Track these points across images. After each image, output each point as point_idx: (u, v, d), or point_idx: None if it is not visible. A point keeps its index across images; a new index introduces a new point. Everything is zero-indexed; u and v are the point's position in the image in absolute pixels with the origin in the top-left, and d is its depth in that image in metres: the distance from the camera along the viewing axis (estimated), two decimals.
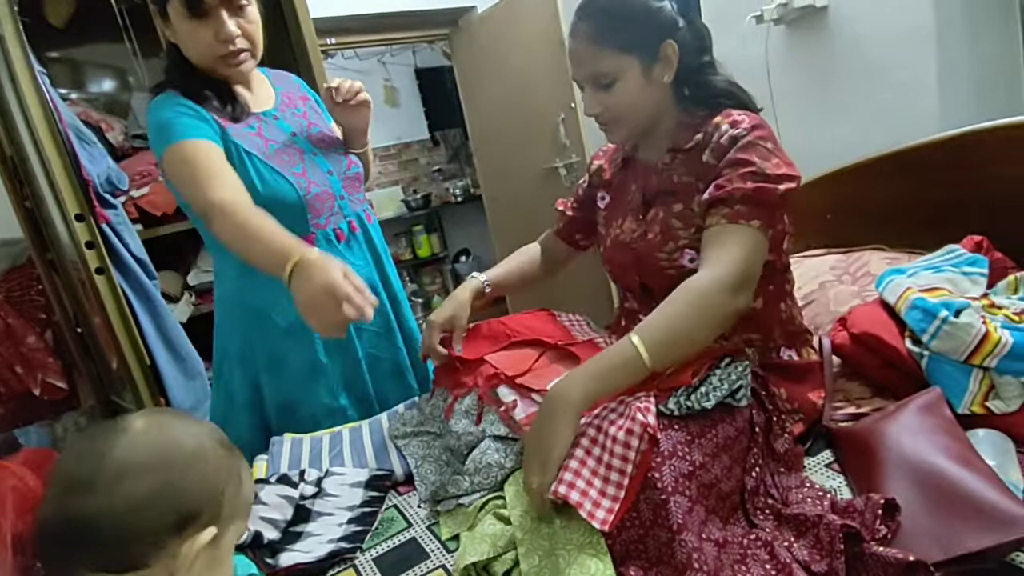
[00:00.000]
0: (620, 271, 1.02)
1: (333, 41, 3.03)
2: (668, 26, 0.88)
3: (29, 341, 1.98)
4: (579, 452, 0.72)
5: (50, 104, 1.48)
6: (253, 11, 1.06)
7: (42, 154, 1.48)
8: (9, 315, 1.96)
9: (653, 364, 0.74)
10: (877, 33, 1.75)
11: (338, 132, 1.25)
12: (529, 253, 1.22)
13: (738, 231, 0.81)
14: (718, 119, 0.87)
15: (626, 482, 0.68)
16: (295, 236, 0.87)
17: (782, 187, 0.82)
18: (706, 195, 0.84)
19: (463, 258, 4.67)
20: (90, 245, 1.51)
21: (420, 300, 4.50)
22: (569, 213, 1.17)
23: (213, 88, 1.08)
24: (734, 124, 0.85)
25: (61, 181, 1.47)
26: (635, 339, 0.74)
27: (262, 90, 1.18)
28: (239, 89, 1.13)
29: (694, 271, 0.84)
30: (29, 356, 1.96)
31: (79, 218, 1.49)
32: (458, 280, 4.63)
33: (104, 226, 1.62)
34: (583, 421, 0.74)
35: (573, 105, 2.80)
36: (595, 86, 0.90)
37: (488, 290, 1.13)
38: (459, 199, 4.52)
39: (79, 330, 2.02)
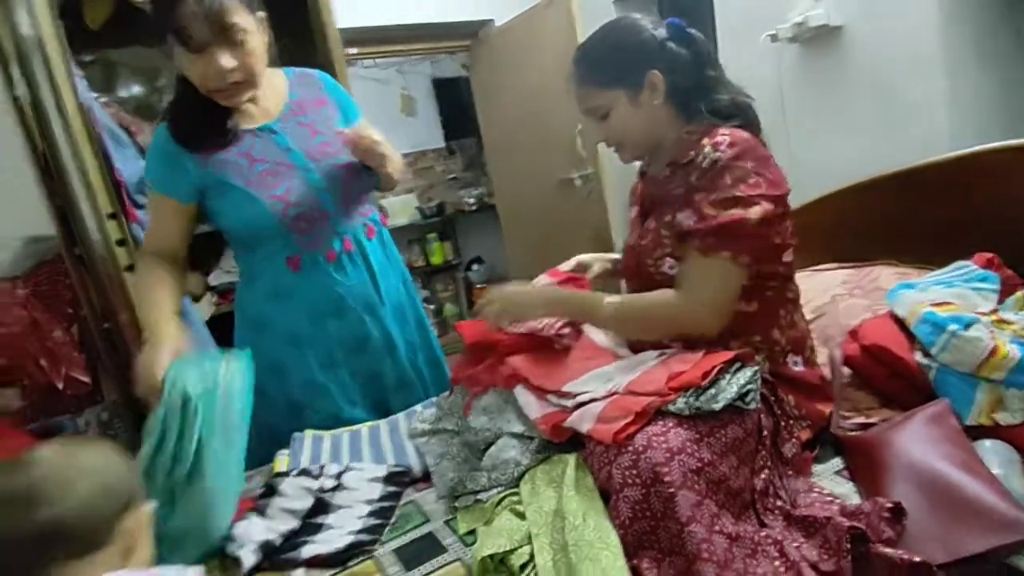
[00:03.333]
0: (626, 274, 1.08)
1: (355, 51, 3.10)
2: (651, 56, 0.95)
3: (55, 335, 2.03)
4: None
5: (86, 106, 1.53)
6: (253, 41, 1.03)
7: (77, 154, 1.53)
8: (36, 310, 2.02)
9: (603, 327, 0.99)
10: (889, 54, 1.78)
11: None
12: None
13: (707, 264, 0.87)
14: (704, 140, 0.91)
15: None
16: (168, 309, 1.06)
17: (754, 213, 0.85)
18: (687, 221, 0.89)
19: (475, 266, 4.71)
20: (121, 243, 1.56)
21: (432, 306, 4.54)
22: None
23: (207, 118, 1.09)
24: (715, 146, 0.89)
25: (95, 180, 1.53)
26: (611, 308, 0.93)
27: (271, 100, 1.16)
28: (243, 105, 1.12)
29: (673, 278, 0.93)
30: (55, 350, 2.01)
31: (111, 216, 1.54)
32: (470, 287, 4.67)
33: (134, 225, 1.67)
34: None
35: None
36: (593, 118, 1.01)
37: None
38: (473, 207, 4.57)
39: (105, 325, 2.07)
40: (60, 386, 2.01)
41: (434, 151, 4.80)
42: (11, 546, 0.55)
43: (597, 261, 1.22)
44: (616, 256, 1.23)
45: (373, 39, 3.11)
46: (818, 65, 1.97)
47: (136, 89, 2.60)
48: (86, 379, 2.05)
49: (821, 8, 1.85)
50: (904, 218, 1.31)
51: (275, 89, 1.17)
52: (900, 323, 0.95)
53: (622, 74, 0.95)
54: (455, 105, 4.61)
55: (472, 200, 4.60)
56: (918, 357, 0.88)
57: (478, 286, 4.55)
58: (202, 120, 1.09)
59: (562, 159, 3.09)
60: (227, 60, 1.01)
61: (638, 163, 1.14)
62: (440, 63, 4.56)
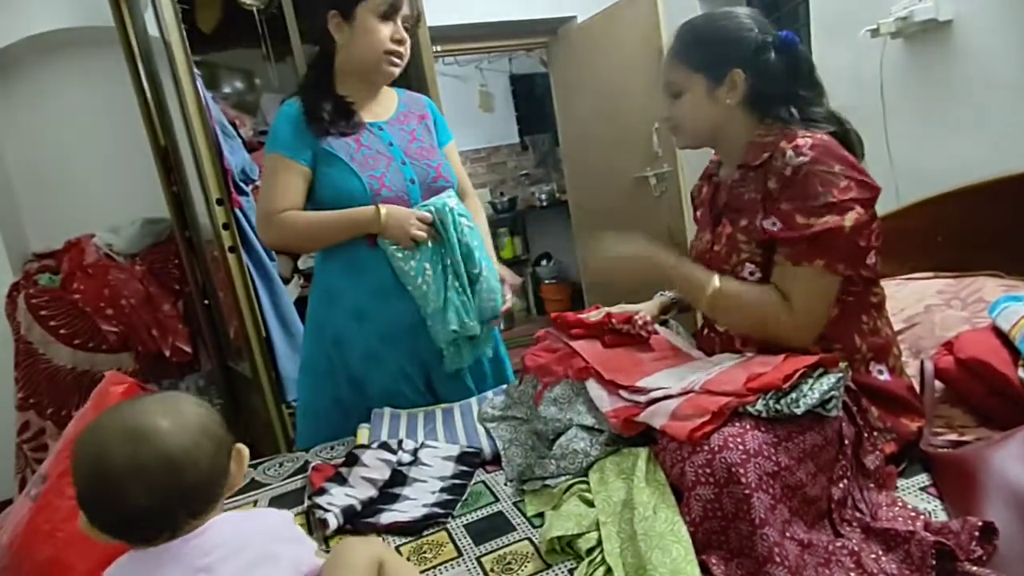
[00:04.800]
0: None
1: (438, 48, 3.20)
2: (742, 56, 0.93)
3: (164, 308, 2.25)
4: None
5: (204, 102, 1.69)
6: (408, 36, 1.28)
7: (194, 145, 1.69)
8: (151, 284, 2.24)
9: (704, 310, 0.98)
10: (1006, 50, 1.64)
11: (439, 152, 1.36)
12: None
13: (800, 273, 0.86)
14: (782, 143, 0.89)
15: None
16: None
17: (848, 219, 0.83)
18: (773, 228, 0.88)
19: (544, 261, 4.74)
20: (226, 227, 1.71)
21: None
22: None
23: (335, 106, 1.24)
24: (796, 149, 0.86)
25: (208, 169, 1.68)
26: (712, 289, 0.93)
27: (383, 104, 1.33)
28: (364, 99, 1.28)
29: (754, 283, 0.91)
30: (164, 321, 2.23)
31: (219, 202, 1.69)
32: (538, 282, 4.70)
33: (236, 210, 1.82)
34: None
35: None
36: (667, 94, 1.01)
37: (675, 300, 1.19)
38: (544, 203, 4.60)
39: (206, 302, 2.27)
40: (167, 354, 2.22)
41: (508, 147, 4.86)
42: (148, 513, 0.57)
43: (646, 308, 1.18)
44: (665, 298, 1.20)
45: (456, 37, 3.19)
46: (923, 62, 1.84)
47: (238, 86, 2.83)
48: (188, 349, 2.27)
49: (930, 1, 1.74)
50: (1014, 227, 1.22)
51: (388, 99, 1.35)
52: (1003, 337, 0.90)
53: (708, 63, 0.95)
54: (531, 101, 4.65)
55: (543, 196, 4.62)
56: (1021, 373, 0.83)
57: (546, 282, 4.58)
58: (334, 109, 1.24)
59: (638, 156, 3.06)
60: (404, 33, 1.24)
61: (703, 164, 1.13)
62: (518, 59, 4.61)
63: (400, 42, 1.22)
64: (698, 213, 1.13)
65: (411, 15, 1.23)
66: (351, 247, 1.25)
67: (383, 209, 1.20)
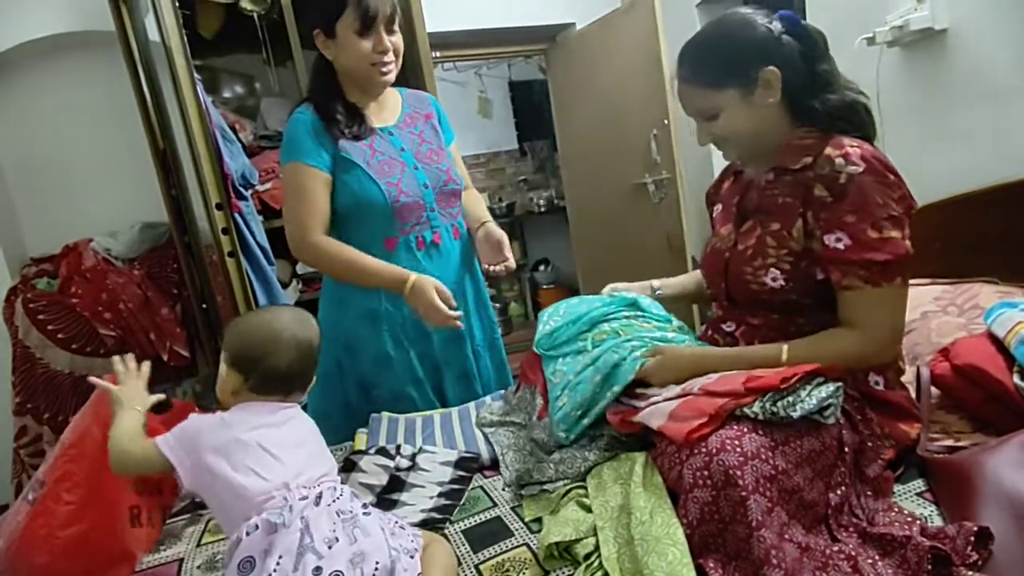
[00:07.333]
0: (710, 277, 1.05)
1: (437, 54, 3.21)
2: (768, 51, 0.89)
3: (162, 312, 2.25)
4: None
5: (204, 107, 1.69)
6: (399, 35, 1.26)
7: (194, 150, 1.70)
8: (149, 289, 2.24)
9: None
10: (1001, 58, 1.66)
11: (447, 153, 1.36)
12: (697, 273, 1.25)
13: (882, 294, 0.84)
14: (829, 150, 0.86)
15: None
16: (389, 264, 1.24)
17: (907, 235, 0.84)
18: (839, 245, 0.84)
19: (542, 267, 4.75)
20: (225, 231, 1.71)
21: (498, 305, 4.62)
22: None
23: (345, 108, 1.25)
24: (847, 158, 0.83)
25: (208, 174, 1.69)
26: (785, 357, 0.87)
27: (389, 107, 1.34)
28: (369, 104, 1.30)
29: (775, 290, 0.89)
30: (162, 325, 2.23)
31: (219, 207, 1.70)
32: (536, 288, 4.71)
33: (236, 215, 1.82)
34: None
35: (667, 122, 2.80)
36: (702, 119, 0.95)
37: (659, 292, 1.21)
38: (542, 209, 4.61)
39: (204, 306, 2.27)
40: (165, 358, 2.22)
41: (507, 152, 4.87)
42: (287, 373, 0.84)
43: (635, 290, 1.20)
44: (654, 283, 1.22)
45: (455, 43, 3.20)
46: (919, 71, 1.86)
47: (238, 90, 2.84)
48: (186, 353, 2.26)
49: (926, 10, 1.75)
50: (1009, 234, 1.22)
51: (393, 101, 1.36)
52: (999, 343, 0.90)
53: (735, 72, 0.89)
54: (529, 107, 4.67)
55: (542, 202, 4.63)
56: (1017, 380, 0.84)
57: (544, 287, 4.59)
58: (346, 112, 1.26)
59: (636, 163, 3.07)
60: (387, 42, 1.23)
61: (703, 170, 1.12)
62: (516, 66, 4.63)
63: (384, 52, 1.22)
64: (716, 208, 1.10)
65: (390, 16, 1.21)
66: (366, 251, 1.25)
67: (410, 281, 1.19)
